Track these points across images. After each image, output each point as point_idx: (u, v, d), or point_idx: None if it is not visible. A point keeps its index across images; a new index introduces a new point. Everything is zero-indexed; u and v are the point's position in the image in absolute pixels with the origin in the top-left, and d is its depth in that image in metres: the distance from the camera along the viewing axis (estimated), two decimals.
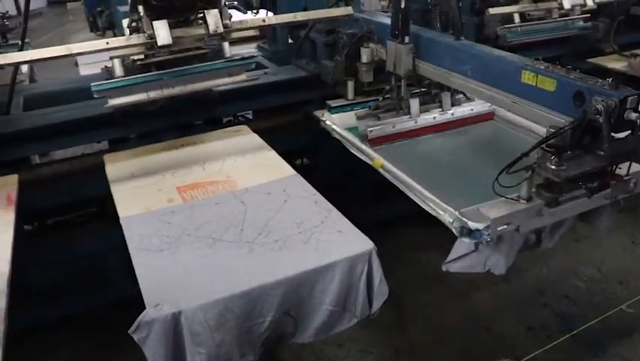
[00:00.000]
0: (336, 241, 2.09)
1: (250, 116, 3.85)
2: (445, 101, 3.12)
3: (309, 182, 2.50)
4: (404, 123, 3.04)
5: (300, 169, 2.66)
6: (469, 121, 3.18)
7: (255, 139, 2.98)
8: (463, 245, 2.27)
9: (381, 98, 3.10)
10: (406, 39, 2.82)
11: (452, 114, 3.14)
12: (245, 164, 2.73)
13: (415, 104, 3.04)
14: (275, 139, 2.92)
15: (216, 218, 2.26)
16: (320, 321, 2.03)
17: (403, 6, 2.75)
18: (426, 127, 3.09)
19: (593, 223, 2.70)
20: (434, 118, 3.10)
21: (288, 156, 2.89)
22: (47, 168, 3.06)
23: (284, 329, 2.01)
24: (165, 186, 2.54)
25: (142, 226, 2.22)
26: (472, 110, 3.17)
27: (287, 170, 2.63)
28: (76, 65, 6.12)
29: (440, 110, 3.12)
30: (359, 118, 3.02)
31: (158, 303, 1.76)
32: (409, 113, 3.06)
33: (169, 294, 1.84)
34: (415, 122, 3.06)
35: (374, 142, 2.94)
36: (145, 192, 2.50)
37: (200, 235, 2.16)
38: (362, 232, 2.12)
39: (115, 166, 2.75)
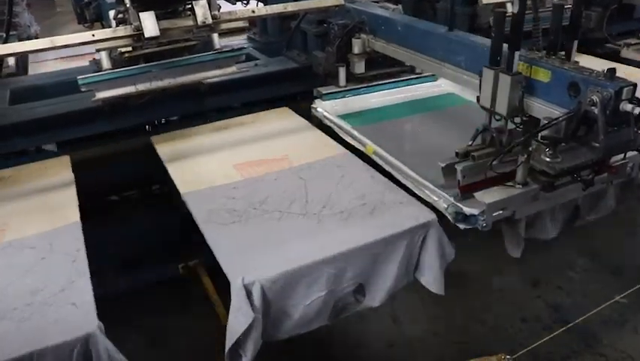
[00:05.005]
0: (400, 211, 2.17)
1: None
2: None
3: None
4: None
5: None
6: None
7: (299, 120, 3.04)
8: None
9: (470, 142, 2.16)
10: (514, 66, 2.05)
11: None
12: (295, 142, 2.79)
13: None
14: None
15: (278, 193, 2.33)
16: (387, 287, 2.08)
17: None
18: None
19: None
20: None
21: None
22: (97, 149, 3.07)
23: (353, 295, 2.07)
24: (222, 164, 2.61)
25: (207, 201, 2.28)
26: None
27: (338, 148, 2.70)
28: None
29: None
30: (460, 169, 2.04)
31: (241, 275, 1.82)
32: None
33: (247, 264, 1.89)
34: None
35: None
36: (202, 170, 2.56)
37: (267, 208, 2.23)
38: None
39: (165, 147, 2.80)
